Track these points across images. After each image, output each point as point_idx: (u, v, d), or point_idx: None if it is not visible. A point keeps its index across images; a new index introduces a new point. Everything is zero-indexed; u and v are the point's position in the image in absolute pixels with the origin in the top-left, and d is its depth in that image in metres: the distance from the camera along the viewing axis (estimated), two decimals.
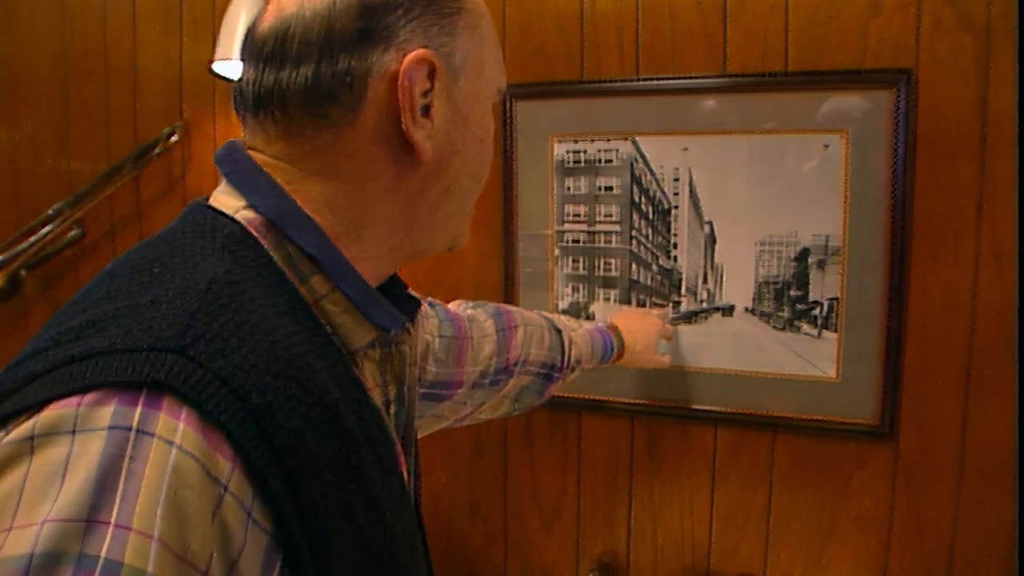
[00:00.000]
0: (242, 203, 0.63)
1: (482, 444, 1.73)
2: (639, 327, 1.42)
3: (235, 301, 0.55)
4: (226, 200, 0.64)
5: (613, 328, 1.37)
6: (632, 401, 1.61)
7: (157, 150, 1.85)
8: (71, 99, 1.99)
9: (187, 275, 0.56)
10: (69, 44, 1.99)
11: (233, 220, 0.62)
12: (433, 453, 1.76)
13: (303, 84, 0.62)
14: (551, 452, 1.69)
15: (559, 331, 1.23)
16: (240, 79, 0.66)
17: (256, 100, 0.65)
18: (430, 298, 1.07)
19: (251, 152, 0.66)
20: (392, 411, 0.72)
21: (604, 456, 1.66)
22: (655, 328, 1.45)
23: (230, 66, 1.69)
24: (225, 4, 1.65)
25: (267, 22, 0.65)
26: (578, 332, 1.27)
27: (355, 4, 0.63)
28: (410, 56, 0.63)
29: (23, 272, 1.94)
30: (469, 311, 1.11)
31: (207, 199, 0.66)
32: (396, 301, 0.72)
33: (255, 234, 0.62)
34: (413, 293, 0.79)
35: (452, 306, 1.12)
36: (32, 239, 1.90)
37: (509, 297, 1.67)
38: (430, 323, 1.02)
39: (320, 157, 0.64)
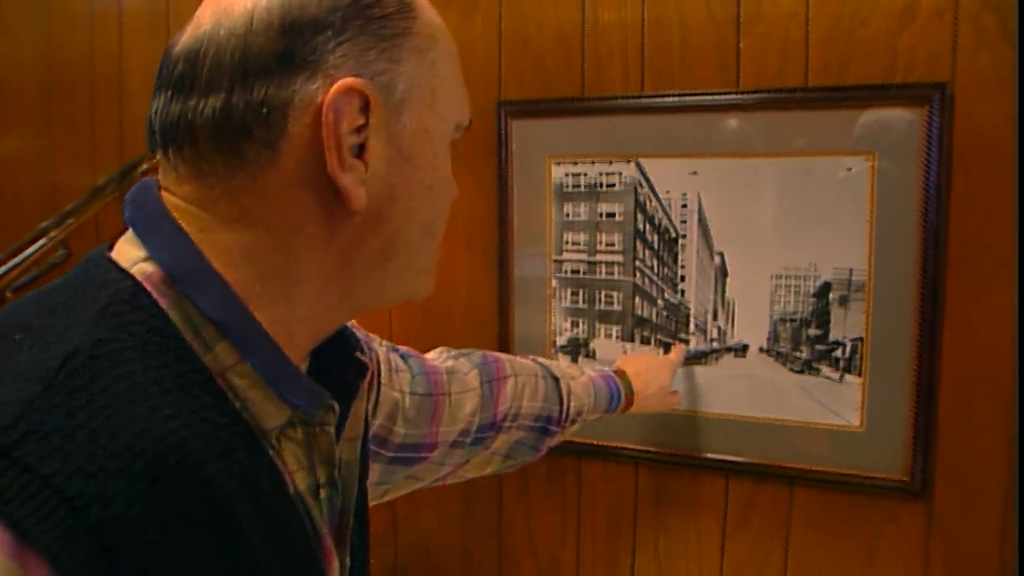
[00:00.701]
0: (141, 254, 0.56)
1: (475, 488, 1.61)
2: (649, 370, 1.30)
3: (96, 381, 0.48)
4: (125, 250, 0.57)
5: (620, 373, 1.25)
6: (637, 447, 1.48)
7: (143, 167, 1.76)
8: (55, 111, 1.93)
9: (48, 346, 0.49)
10: (53, 54, 1.93)
11: (127, 275, 0.55)
12: (423, 495, 1.64)
13: (211, 116, 0.55)
14: (549, 499, 1.56)
15: (556, 379, 1.12)
16: (151, 107, 0.59)
17: (164, 133, 0.57)
18: (404, 348, 0.97)
19: (164, 193, 0.59)
20: (323, 496, 0.64)
21: (606, 505, 1.53)
22: (667, 370, 1.33)
23: None
24: None
25: (182, 42, 0.58)
26: (578, 380, 1.16)
27: (276, 22, 0.55)
28: (337, 86, 0.55)
29: (8, 294, 1.86)
30: (450, 362, 1.01)
31: (110, 246, 0.58)
32: (336, 372, 0.66)
33: (152, 292, 0.54)
34: (360, 357, 0.70)
35: (432, 355, 1.02)
36: (15, 260, 1.82)
37: (503, 332, 1.55)
38: (400, 378, 0.91)
39: (235, 202, 0.56)
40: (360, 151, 0.57)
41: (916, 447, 1.28)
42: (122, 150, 1.86)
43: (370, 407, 0.84)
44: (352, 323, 0.88)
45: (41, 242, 1.75)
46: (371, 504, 0.90)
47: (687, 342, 1.44)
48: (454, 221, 1.54)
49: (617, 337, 1.49)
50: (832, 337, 1.34)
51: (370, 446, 0.83)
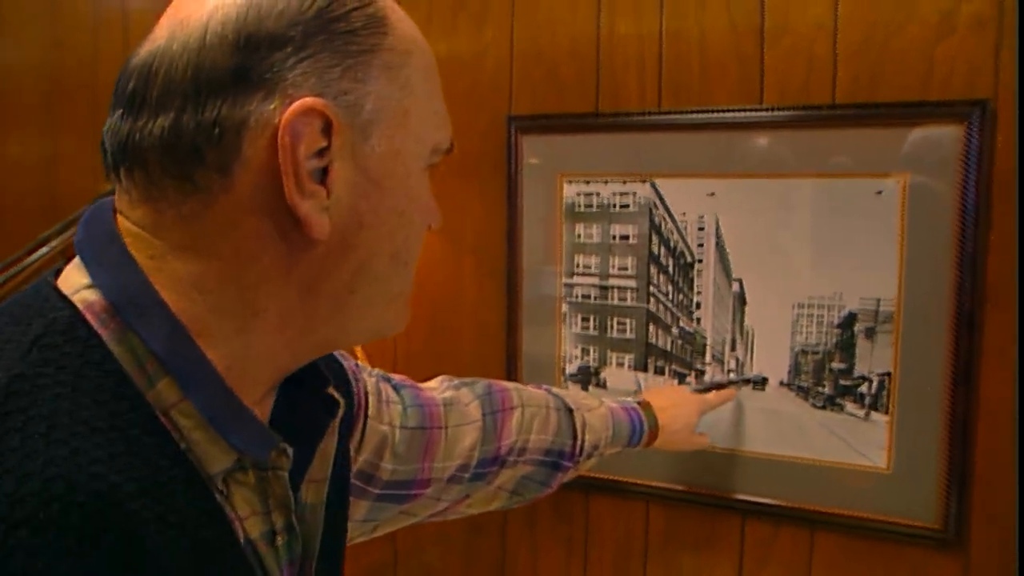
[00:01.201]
0: (86, 280, 0.53)
1: (478, 521, 1.53)
2: (677, 405, 1.21)
3: (9, 421, 0.45)
4: (71, 276, 0.54)
5: (645, 405, 1.16)
6: (648, 483, 1.40)
7: None
8: (58, 116, 1.90)
9: None
10: (57, 57, 1.90)
11: (67, 303, 0.52)
12: (425, 529, 1.56)
13: (159, 137, 0.52)
14: (555, 535, 1.48)
15: (570, 410, 1.04)
16: (106, 124, 0.56)
17: (114, 154, 0.54)
18: (398, 378, 0.91)
19: (119, 216, 0.55)
20: (280, 543, 0.59)
21: (615, 543, 1.44)
22: (696, 407, 1.24)
23: None
24: None
25: (138, 56, 0.54)
26: (596, 411, 1.08)
27: (231, 36, 0.52)
28: (294, 106, 0.51)
29: None
30: (449, 392, 0.94)
31: (59, 272, 0.55)
32: (304, 409, 0.62)
33: (92, 322, 0.51)
34: (333, 393, 0.65)
35: (433, 383, 0.96)
36: (15, 270, 1.78)
37: (511, 356, 1.47)
38: (391, 411, 0.85)
39: (186, 229, 0.53)
40: (323, 176, 0.54)
41: (949, 491, 1.19)
42: None
43: (353, 443, 0.79)
44: (344, 352, 0.83)
45: (42, 251, 1.71)
46: (361, 539, 0.86)
47: (702, 374, 1.36)
48: (461, 241, 1.50)
49: (629, 366, 1.40)
50: (857, 371, 1.25)
51: (355, 483, 0.79)
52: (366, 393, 0.82)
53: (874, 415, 1.24)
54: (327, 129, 0.53)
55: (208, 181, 0.52)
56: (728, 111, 1.30)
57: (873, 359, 1.23)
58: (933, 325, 1.19)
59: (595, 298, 1.42)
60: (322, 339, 0.59)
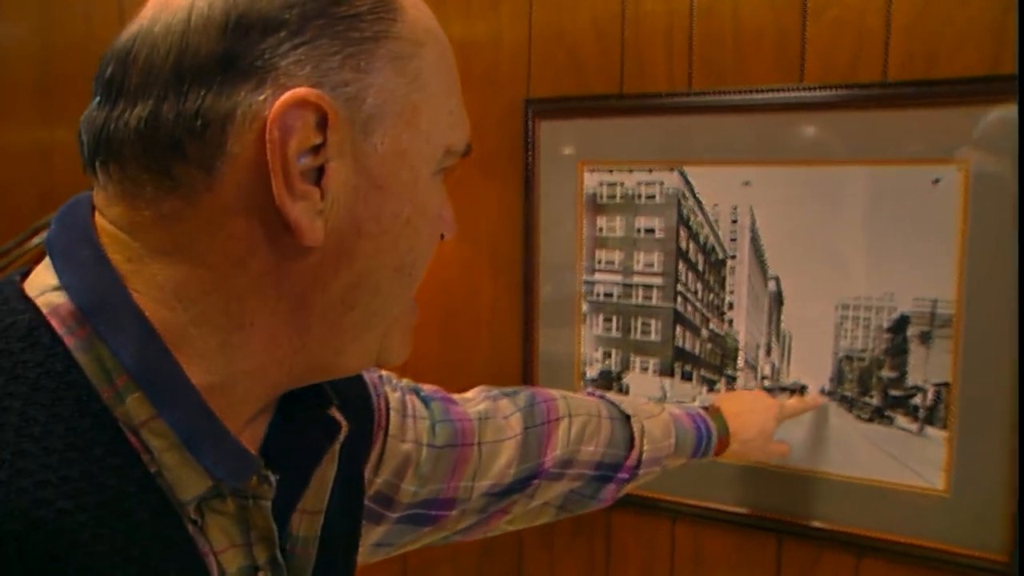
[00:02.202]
0: (53, 282, 0.48)
1: (493, 540, 1.42)
2: (751, 411, 1.08)
3: None
4: (38, 276, 0.50)
5: (714, 411, 1.05)
6: (674, 499, 1.28)
7: None
8: (52, 103, 1.83)
9: None
10: (50, 41, 1.83)
11: (30, 306, 0.47)
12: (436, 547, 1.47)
13: (136, 128, 0.47)
14: (574, 555, 1.37)
15: (626, 418, 0.94)
16: (83, 114, 0.51)
17: (89, 145, 0.50)
18: (429, 389, 0.83)
19: (96, 214, 0.51)
20: None
21: (638, 564, 1.33)
22: (772, 410, 1.11)
23: None
24: None
25: (120, 38, 0.50)
26: (656, 419, 0.97)
27: (219, 18, 0.47)
28: (284, 97, 0.46)
29: None
30: (485, 404, 0.86)
31: (27, 272, 0.51)
32: (303, 431, 0.57)
33: (56, 328, 0.46)
34: (335, 415, 0.60)
35: (471, 394, 0.88)
36: (5, 261, 1.71)
37: (527, 360, 1.37)
38: (417, 427, 0.78)
39: (167, 230, 0.48)
40: (318, 176, 0.48)
41: (1019, 519, 1.05)
42: None
43: (371, 465, 0.73)
44: None
45: (35, 242, 1.63)
46: (377, 559, 0.79)
47: (734, 380, 1.23)
48: (475, 234, 1.39)
49: (654, 371, 1.29)
50: (910, 381, 1.12)
51: (371, 506, 0.74)
52: (388, 409, 0.75)
53: (930, 430, 1.11)
54: (322, 124, 0.48)
55: (189, 178, 0.47)
56: (766, 91, 1.18)
57: (928, 367, 1.10)
58: (998, 330, 1.06)
59: (618, 297, 1.30)
60: (316, 359, 0.54)
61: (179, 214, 0.48)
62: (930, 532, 1.11)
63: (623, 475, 0.92)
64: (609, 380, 1.32)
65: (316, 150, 0.48)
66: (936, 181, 1.09)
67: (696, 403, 1.05)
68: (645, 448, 0.93)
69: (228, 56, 0.46)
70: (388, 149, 0.51)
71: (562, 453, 0.88)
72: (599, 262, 1.31)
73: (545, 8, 1.34)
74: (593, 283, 1.32)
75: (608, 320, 1.32)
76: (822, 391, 1.17)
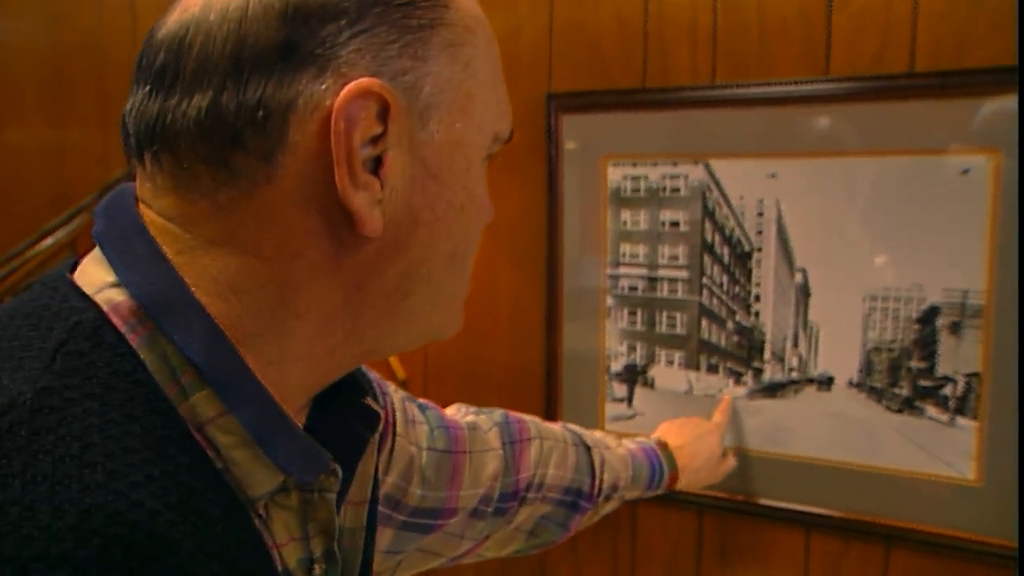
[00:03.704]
0: (110, 278, 0.48)
1: None
2: (695, 439, 1.13)
3: (38, 440, 0.40)
4: (91, 272, 0.49)
5: (661, 446, 1.08)
6: (701, 492, 1.28)
7: None
8: (63, 100, 1.82)
9: None
10: (60, 38, 1.82)
11: (90, 303, 0.46)
12: None
13: (195, 119, 0.46)
14: (599, 549, 1.37)
15: (588, 448, 0.97)
16: (127, 103, 0.51)
17: (139, 137, 0.49)
18: (422, 400, 0.84)
19: (141, 207, 0.50)
20: (317, 572, 0.55)
21: (664, 558, 1.33)
22: (715, 436, 1.16)
23: None
24: None
25: (166, 25, 0.49)
26: (615, 451, 1.01)
27: (277, 7, 0.46)
28: (349, 88, 0.46)
29: (8, 299, 1.76)
30: (469, 418, 0.88)
31: (73, 266, 0.50)
32: (340, 421, 0.57)
33: (119, 327, 0.46)
34: (372, 404, 0.60)
35: (450, 411, 0.89)
36: (18, 262, 1.71)
37: (551, 354, 1.37)
38: (418, 431, 0.79)
39: (222, 221, 0.48)
40: (376, 166, 0.48)
41: None
42: None
43: (381, 462, 0.72)
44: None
45: (47, 243, 1.63)
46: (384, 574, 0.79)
47: (760, 372, 1.23)
48: (497, 229, 1.38)
49: (680, 364, 1.29)
50: (940, 371, 1.12)
51: (380, 508, 0.72)
52: (393, 409, 0.75)
53: (960, 420, 1.11)
54: (383, 113, 0.48)
55: (248, 169, 0.47)
56: (791, 83, 1.18)
57: (959, 358, 1.10)
58: None
59: (642, 290, 1.30)
60: (367, 347, 0.54)
61: (235, 205, 0.47)
62: (961, 522, 1.11)
63: (586, 504, 0.95)
64: (634, 373, 1.32)
65: (375, 140, 0.48)
66: (965, 171, 1.08)
67: (646, 439, 1.07)
68: (605, 478, 0.96)
69: (288, 45, 0.46)
70: (443, 138, 0.51)
71: (533, 473, 0.89)
72: (623, 256, 1.31)
73: (566, 1, 1.33)
74: (617, 277, 1.32)
75: (633, 313, 1.31)
76: (850, 383, 1.17)
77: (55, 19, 1.83)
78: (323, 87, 0.46)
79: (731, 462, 1.19)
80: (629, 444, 1.04)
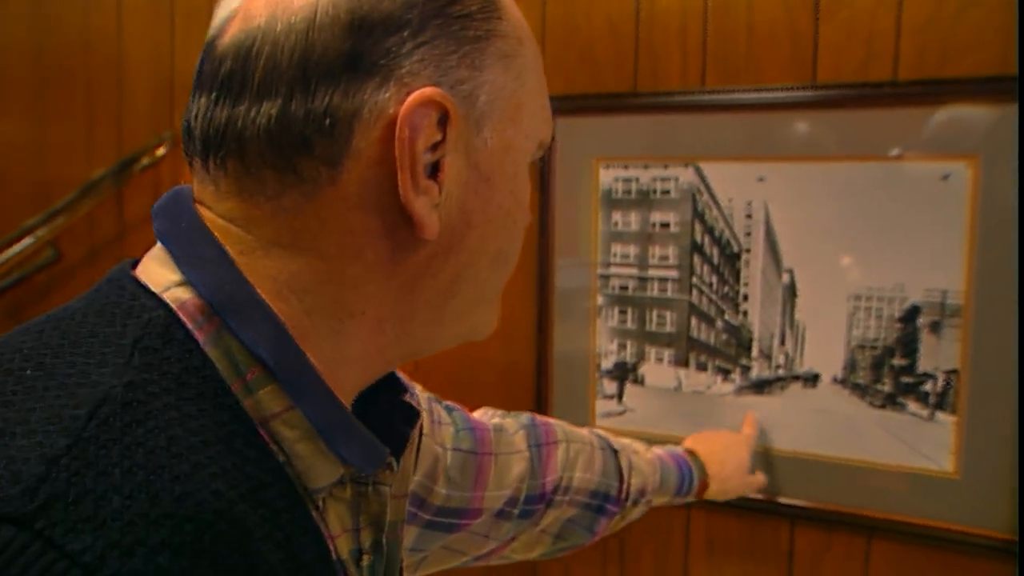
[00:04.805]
0: (176, 277, 0.49)
1: None
2: (725, 448, 1.14)
3: (131, 432, 0.41)
4: (155, 271, 0.50)
5: (691, 453, 1.09)
6: None
7: (143, 163, 1.62)
8: (46, 98, 1.80)
9: (69, 388, 0.43)
10: (45, 35, 1.80)
11: (159, 302, 0.48)
12: None
13: (265, 126, 0.48)
14: (588, 545, 1.39)
15: (615, 451, 0.98)
16: (190, 108, 0.52)
17: (205, 141, 0.50)
18: (448, 401, 0.86)
19: (199, 207, 0.52)
20: (365, 563, 0.56)
21: (652, 551, 1.36)
22: (745, 447, 1.17)
23: None
24: None
25: (230, 34, 0.50)
26: (642, 455, 1.02)
27: (343, 18, 0.48)
28: (414, 96, 0.48)
29: None
30: (496, 420, 0.89)
31: (135, 263, 0.52)
32: (384, 417, 0.58)
33: (188, 324, 0.48)
34: (411, 401, 0.62)
35: (477, 414, 0.90)
36: (4, 257, 1.68)
37: (541, 352, 1.39)
38: (443, 431, 0.80)
39: (285, 223, 0.50)
40: (434, 171, 0.50)
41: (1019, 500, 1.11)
42: (120, 141, 1.72)
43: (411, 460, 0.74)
44: None
45: (27, 241, 1.61)
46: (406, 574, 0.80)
47: (748, 370, 1.27)
48: None
49: (670, 362, 1.32)
50: (921, 368, 1.17)
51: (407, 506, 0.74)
52: (419, 408, 0.76)
53: (940, 415, 1.16)
54: (443, 121, 0.50)
55: (314, 173, 0.48)
56: (779, 90, 1.22)
57: (939, 355, 1.15)
58: (1006, 319, 1.11)
59: (633, 290, 1.33)
60: (415, 346, 0.56)
61: (299, 208, 0.49)
62: (940, 513, 1.16)
63: (614, 507, 0.96)
64: (624, 371, 1.35)
65: (435, 147, 0.50)
66: (946, 177, 1.13)
67: (676, 447, 1.09)
68: (633, 481, 0.97)
69: (353, 55, 0.48)
70: (496, 144, 0.53)
71: (560, 476, 0.91)
72: (614, 256, 1.34)
73: (559, 5, 1.36)
74: (608, 277, 1.35)
75: (623, 312, 1.34)
76: (834, 379, 1.22)
77: (41, 17, 1.80)
78: (387, 96, 0.48)
79: (761, 478, 1.19)
80: (657, 450, 1.05)
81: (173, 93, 1.68)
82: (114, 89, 1.73)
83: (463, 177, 0.52)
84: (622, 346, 1.35)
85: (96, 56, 1.74)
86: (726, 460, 1.11)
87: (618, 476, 0.96)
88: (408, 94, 0.48)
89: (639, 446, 1.03)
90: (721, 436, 1.17)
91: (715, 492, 1.10)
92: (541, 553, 0.94)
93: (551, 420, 0.95)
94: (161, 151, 1.62)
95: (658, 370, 1.33)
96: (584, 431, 0.97)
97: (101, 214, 1.69)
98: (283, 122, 0.48)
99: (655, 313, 1.32)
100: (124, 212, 1.70)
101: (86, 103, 1.76)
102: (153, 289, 0.49)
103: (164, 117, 1.67)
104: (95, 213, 1.68)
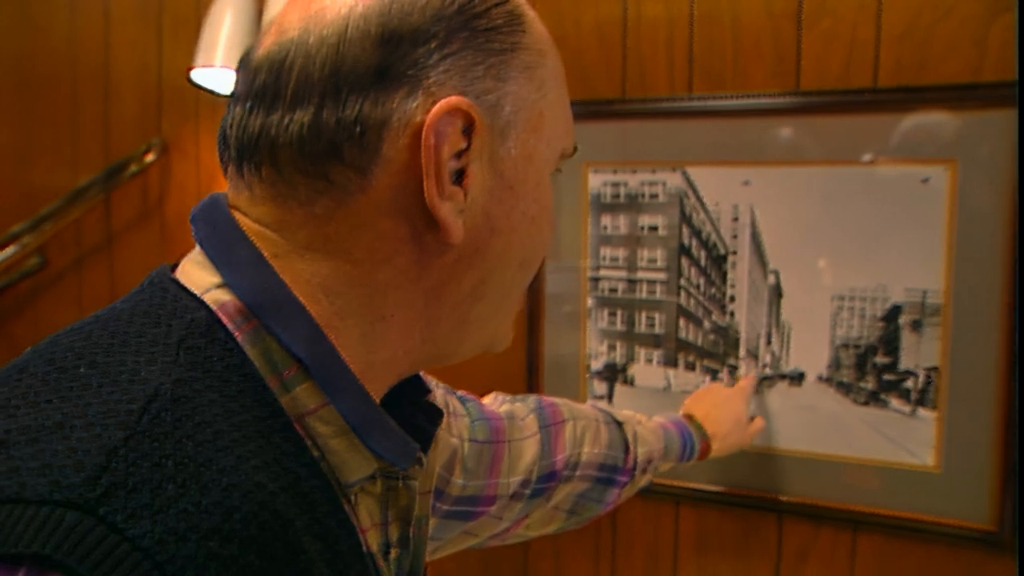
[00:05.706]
0: (215, 280, 0.51)
1: None
2: (719, 405, 1.17)
3: (181, 426, 0.43)
4: (195, 274, 0.52)
5: (689, 418, 1.12)
6: (678, 483, 1.34)
7: (131, 169, 1.62)
8: (33, 105, 1.79)
9: (121, 385, 0.44)
10: (32, 43, 1.79)
11: (200, 303, 0.50)
12: None
13: (298, 134, 0.50)
14: (580, 540, 1.42)
15: (619, 423, 1.01)
16: (226, 118, 0.54)
17: (240, 149, 0.52)
18: (461, 392, 0.88)
19: (234, 213, 0.53)
20: (392, 557, 0.58)
21: (644, 547, 1.38)
22: (740, 399, 1.21)
23: (213, 75, 1.46)
24: (210, 2, 1.43)
25: (264, 47, 0.52)
26: (645, 425, 1.05)
27: (373, 31, 0.50)
28: (439, 105, 0.50)
29: None
30: (506, 406, 0.92)
31: (175, 267, 0.53)
32: (408, 416, 0.59)
33: (227, 324, 0.49)
34: (434, 401, 0.64)
35: (488, 400, 0.93)
36: None
37: (532, 354, 1.41)
38: (459, 424, 0.82)
39: (317, 228, 0.52)
40: (459, 178, 0.52)
41: (1005, 491, 1.15)
42: (107, 149, 1.71)
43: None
44: None
45: (12, 248, 1.60)
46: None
47: (735, 369, 1.30)
48: None
49: (658, 362, 1.35)
50: (903, 366, 1.20)
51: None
52: (442, 409, 0.78)
53: (921, 412, 1.19)
54: (468, 129, 0.51)
55: (344, 180, 0.50)
56: (763, 96, 1.25)
57: (920, 353, 1.19)
58: (984, 317, 1.15)
59: (622, 292, 1.36)
60: (439, 350, 0.58)
61: (330, 214, 0.51)
62: (922, 506, 1.20)
63: (623, 478, 0.98)
64: (614, 372, 1.37)
65: (460, 154, 0.51)
66: (925, 180, 1.17)
67: (671, 414, 1.12)
68: (639, 451, 1.00)
69: (382, 66, 0.49)
70: (519, 153, 0.55)
71: (569, 454, 0.93)
72: (604, 259, 1.37)
73: (548, 15, 1.38)
74: (598, 279, 1.37)
75: (613, 314, 1.37)
76: (819, 378, 1.25)
77: (28, 24, 1.79)
78: (414, 105, 0.50)
79: (759, 423, 1.22)
80: (659, 419, 1.08)
81: (161, 100, 1.67)
82: (101, 96, 1.73)
83: (487, 184, 0.53)
84: (612, 347, 1.37)
85: (83, 63, 1.74)
86: (723, 418, 1.14)
87: (624, 448, 0.98)
88: (434, 103, 0.50)
89: (641, 416, 1.05)
90: (716, 392, 1.20)
91: (717, 450, 1.13)
92: (557, 528, 0.96)
93: (556, 400, 0.97)
94: (150, 158, 1.62)
95: (647, 371, 1.35)
96: (587, 407, 1.00)
97: (89, 221, 1.68)
98: (315, 130, 0.49)
99: (644, 315, 1.35)
100: (111, 219, 1.70)
101: (72, 110, 1.75)
102: (194, 291, 0.50)
103: (152, 124, 1.67)
104: (82, 220, 1.67)
